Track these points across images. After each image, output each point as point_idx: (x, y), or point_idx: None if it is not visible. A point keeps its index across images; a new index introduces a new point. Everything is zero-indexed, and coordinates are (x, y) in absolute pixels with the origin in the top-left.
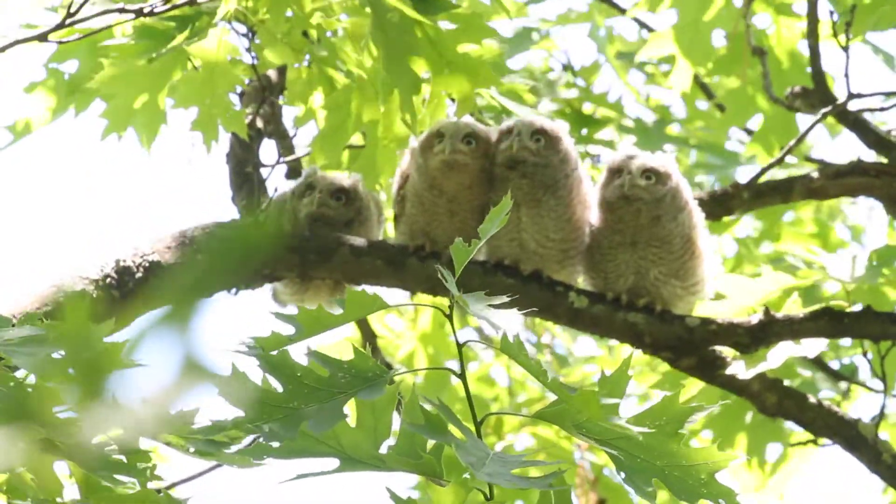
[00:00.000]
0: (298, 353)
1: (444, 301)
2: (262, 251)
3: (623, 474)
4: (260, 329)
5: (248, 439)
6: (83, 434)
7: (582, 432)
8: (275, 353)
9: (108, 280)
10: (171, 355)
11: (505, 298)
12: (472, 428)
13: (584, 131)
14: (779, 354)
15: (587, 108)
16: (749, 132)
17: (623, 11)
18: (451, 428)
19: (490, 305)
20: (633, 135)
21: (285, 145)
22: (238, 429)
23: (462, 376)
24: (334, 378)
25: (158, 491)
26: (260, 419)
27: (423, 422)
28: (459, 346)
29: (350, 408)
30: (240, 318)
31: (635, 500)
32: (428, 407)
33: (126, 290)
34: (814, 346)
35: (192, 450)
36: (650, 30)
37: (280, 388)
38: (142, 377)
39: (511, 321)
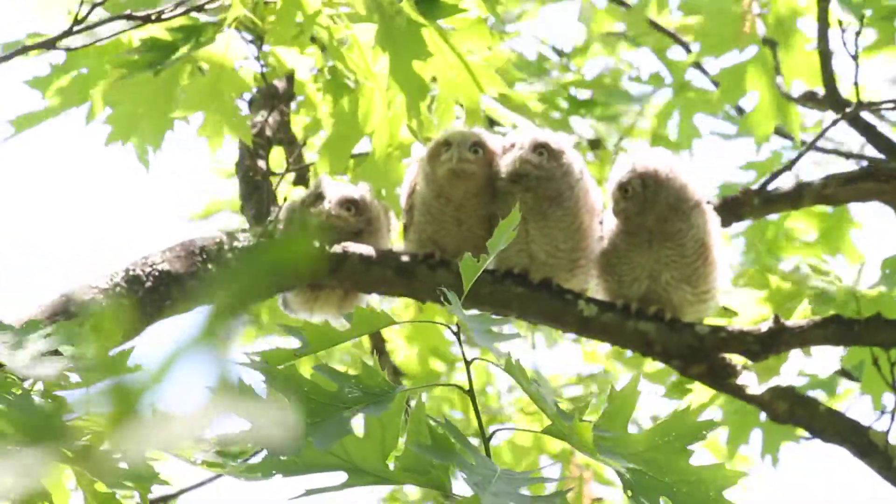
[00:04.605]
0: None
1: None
2: (301, 266)
3: (630, 493)
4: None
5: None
6: (107, 450)
7: (589, 448)
8: (281, 367)
9: (118, 289)
10: (206, 374)
11: (509, 321)
12: (480, 443)
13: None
14: (791, 370)
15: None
16: (741, 111)
17: None
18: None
19: (493, 329)
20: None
21: (294, 154)
22: (243, 442)
23: (470, 393)
24: (341, 393)
25: (168, 497)
26: (265, 433)
27: (429, 441)
28: (467, 363)
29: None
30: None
31: None
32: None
33: (135, 299)
34: (827, 362)
35: (199, 461)
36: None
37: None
38: (174, 396)
39: (513, 345)
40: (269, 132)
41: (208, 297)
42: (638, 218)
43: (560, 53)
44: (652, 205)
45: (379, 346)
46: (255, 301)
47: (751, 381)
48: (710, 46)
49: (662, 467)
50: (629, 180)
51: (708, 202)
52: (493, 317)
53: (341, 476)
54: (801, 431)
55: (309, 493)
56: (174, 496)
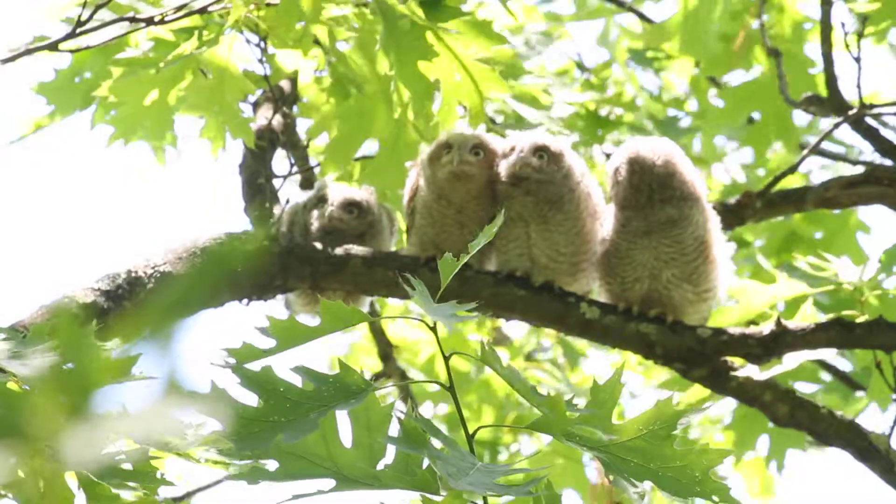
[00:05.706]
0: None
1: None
2: (244, 267)
3: (612, 477)
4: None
5: None
6: (76, 445)
7: (572, 440)
8: (257, 368)
9: (119, 291)
10: (158, 373)
11: (472, 305)
12: (463, 440)
13: (599, 132)
14: (792, 358)
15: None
16: (751, 120)
17: (627, 8)
18: (434, 440)
19: (454, 313)
20: (646, 133)
21: (299, 156)
22: (217, 443)
23: (451, 390)
24: (318, 392)
25: (177, 499)
26: (239, 433)
27: (402, 435)
28: (446, 358)
29: (346, 427)
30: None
31: None
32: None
33: (137, 300)
34: (826, 350)
35: (202, 459)
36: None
37: (261, 403)
38: (131, 391)
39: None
40: (272, 135)
41: (155, 303)
42: (629, 202)
43: (582, 67)
44: (638, 188)
45: (386, 350)
46: (203, 302)
47: (753, 372)
48: (710, 67)
49: (647, 454)
50: (618, 165)
51: (709, 202)
52: (460, 304)
53: (329, 483)
54: (808, 437)
55: (296, 497)
56: (183, 498)
